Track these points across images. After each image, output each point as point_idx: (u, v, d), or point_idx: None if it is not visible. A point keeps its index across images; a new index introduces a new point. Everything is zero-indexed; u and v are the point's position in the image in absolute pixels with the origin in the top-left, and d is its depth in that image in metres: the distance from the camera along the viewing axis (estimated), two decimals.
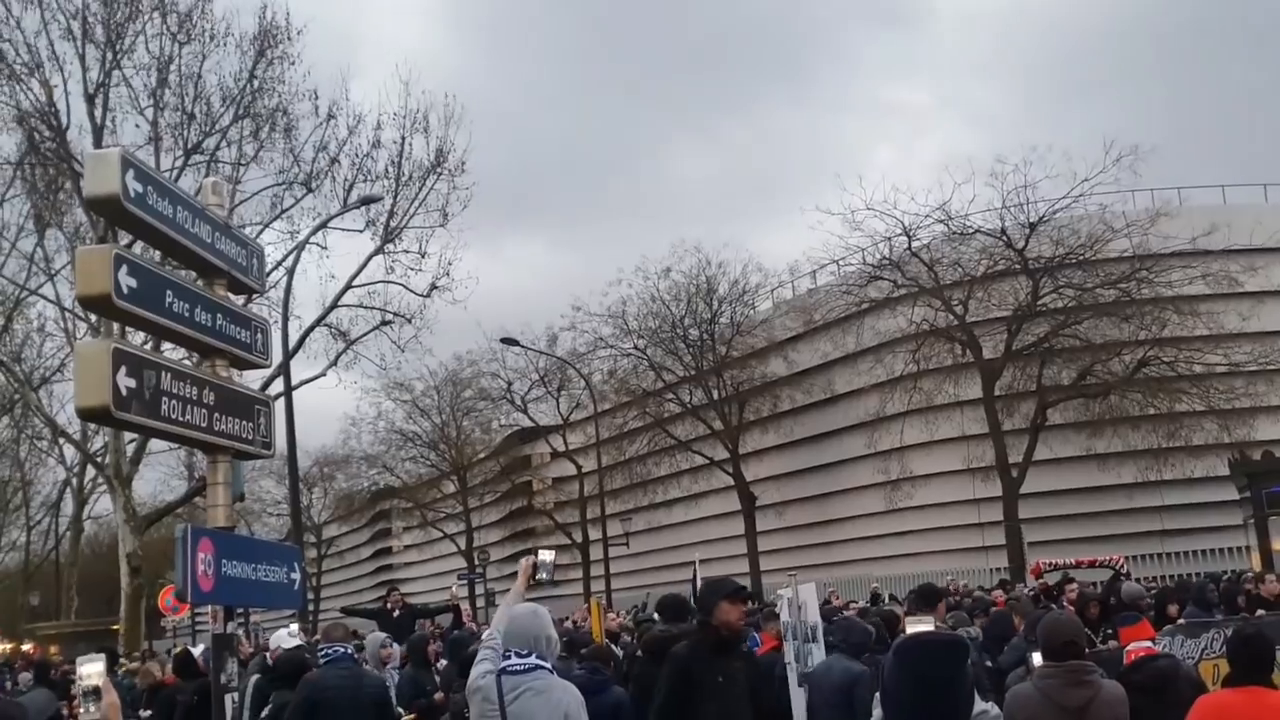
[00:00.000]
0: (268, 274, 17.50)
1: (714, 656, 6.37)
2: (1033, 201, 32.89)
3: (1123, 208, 34.11)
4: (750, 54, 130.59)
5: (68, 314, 32.98)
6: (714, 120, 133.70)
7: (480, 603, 43.85)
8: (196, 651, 13.75)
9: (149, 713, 11.65)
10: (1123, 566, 21.23)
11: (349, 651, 8.72)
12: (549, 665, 5.62)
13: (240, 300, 6.61)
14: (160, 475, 56.04)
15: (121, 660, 19.72)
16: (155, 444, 31.85)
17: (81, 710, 3.88)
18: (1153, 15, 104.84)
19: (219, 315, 5.96)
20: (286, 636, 10.19)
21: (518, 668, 5.50)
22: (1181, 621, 12.09)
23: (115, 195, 5.09)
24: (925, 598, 9.75)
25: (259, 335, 6.45)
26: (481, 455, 57.02)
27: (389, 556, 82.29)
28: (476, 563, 52.73)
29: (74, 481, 51.29)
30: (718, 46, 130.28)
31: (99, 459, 32.47)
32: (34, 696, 3.56)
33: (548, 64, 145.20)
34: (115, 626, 29.98)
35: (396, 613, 16.67)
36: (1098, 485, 37.74)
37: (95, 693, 3.86)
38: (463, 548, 55.71)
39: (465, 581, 49.24)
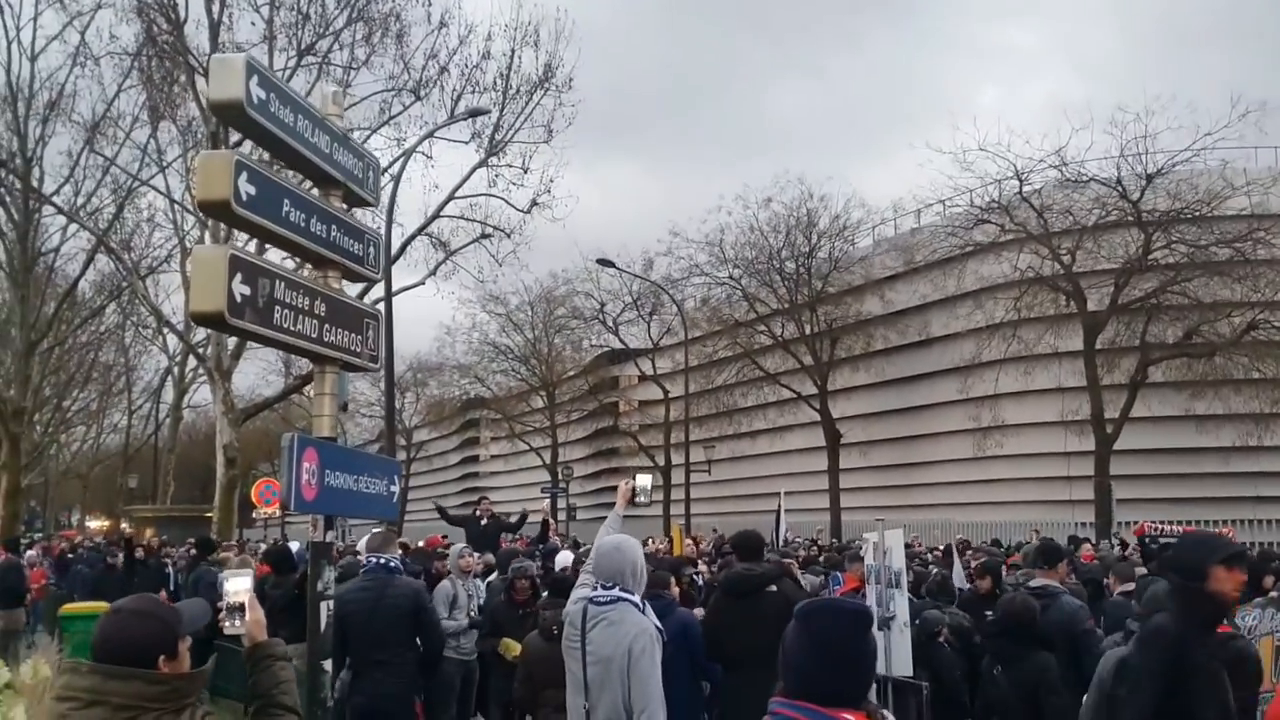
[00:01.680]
0: None
1: (1205, 635, 4.90)
2: (1151, 153, 31.83)
3: (1244, 165, 33.02)
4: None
5: (177, 206, 33.62)
6: (815, 54, 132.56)
7: (562, 516, 44.28)
8: (294, 547, 14.14)
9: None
10: (1233, 536, 20.72)
11: (384, 561, 8.66)
12: (633, 598, 5.77)
13: (355, 212, 6.64)
14: (259, 370, 57.60)
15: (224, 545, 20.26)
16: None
17: (226, 623, 3.94)
18: None
19: (333, 226, 5.97)
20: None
21: (602, 599, 5.74)
22: (1274, 594, 11.81)
23: (239, 101, 5.08)
24: (1047, 555, 9.25)
25: (371, 248, 6.47)
26: (571, 373, 57.39)
27: (475, 465, 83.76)
28: (560, 477, 53.30)
29: (175, 370, 52.58)
30: None
31: (201, 350, 33.16)
32: (190, 605, 3.62)
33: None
34: (209, 514, 30.71)
35: (484, 521, 16.81)
36: (1194, 447, 36.92)
37: (240, 609, 3.93)
38: (547, 462, 56.29)
39: (549, 494, 50.04)
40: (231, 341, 29.80)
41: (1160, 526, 21.27)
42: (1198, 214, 31.90)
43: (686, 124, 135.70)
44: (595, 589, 5.82)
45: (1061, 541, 17.66)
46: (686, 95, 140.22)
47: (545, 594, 9.44)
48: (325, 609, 5.70)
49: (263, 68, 5.44)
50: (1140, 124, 31.33)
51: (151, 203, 36.91)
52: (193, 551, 19.58)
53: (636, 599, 5.78)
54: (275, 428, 55.47)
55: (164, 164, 32.58)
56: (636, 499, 6.69)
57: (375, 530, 10.05)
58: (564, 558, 12.22)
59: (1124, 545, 21.27)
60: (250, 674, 3.89)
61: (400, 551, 11.06)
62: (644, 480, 6.81)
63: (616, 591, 5.73)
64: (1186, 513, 32.93)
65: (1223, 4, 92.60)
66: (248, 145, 12.64)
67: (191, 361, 45.85)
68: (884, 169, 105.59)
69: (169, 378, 54.61)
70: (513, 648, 9.22)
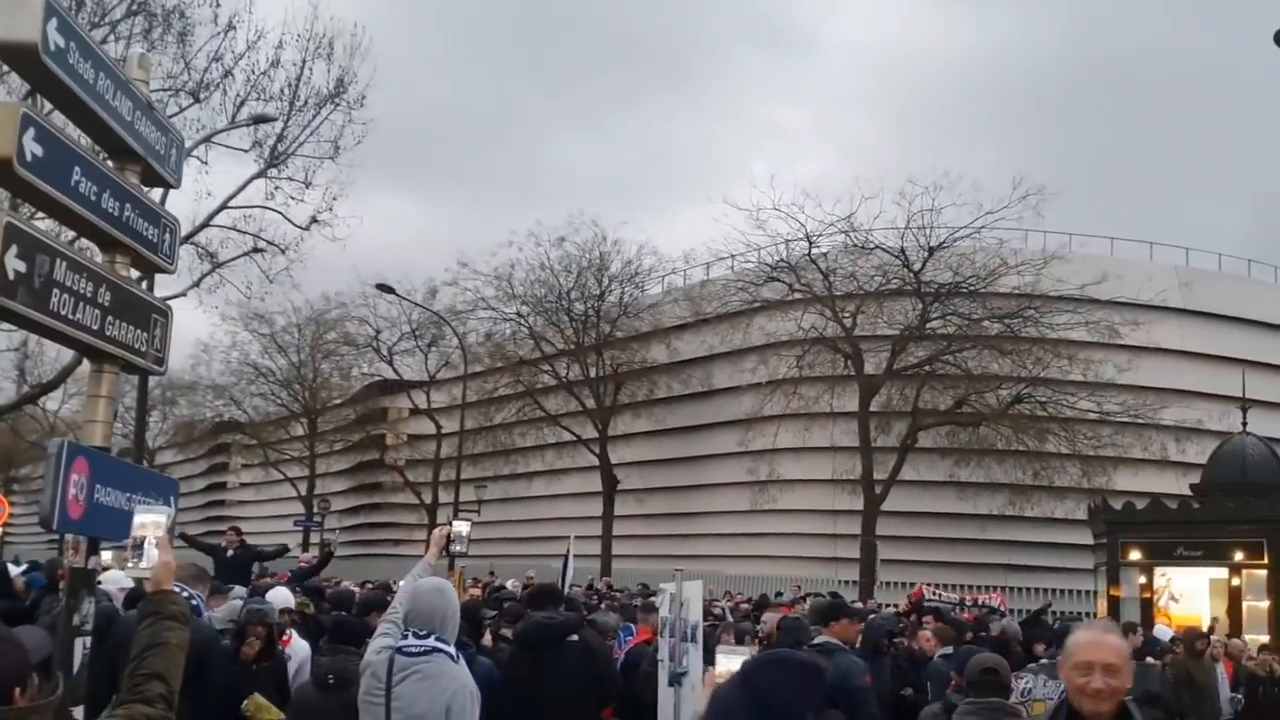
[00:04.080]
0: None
1: None
2: (935, 226, 33.19)
3: (1019, 245, 34.71)
4: (638, 57, 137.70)
5: None
6: (594, 109, 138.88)
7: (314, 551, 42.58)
8: (15, 571, 12.61)
9: None
10: (1004, 606, 21.28)
11: (187, 597, 7.66)
12: (449, 649, 5.24)
13: (155, 194, 5.79)
14: None
15: None
16: None
17: (130, 561, 3.32)
18: (1030, 66, 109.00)
19: (128, 205, 5.20)
20: (122, 577, 8.87)
21: (414, 649, 5.18)
22: (1045, 661, 12.09)
23: (33, 44, 4.29)
24: (827, 613, 9.37)
25: (167, 234, 5.70)
26: (336, 401, 55.64)
27: (223, 491, 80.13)
28: (316, 510, 51.43)
29: None
30: (607, 46, 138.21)
31: None
32: (28, 632, 2.98)
33: (442, 32, 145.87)
34: None
35: (230, 552, 15.58)
36: (954, 512, 38.28)
37: (147, 546, 3.35)
38: (303, 493, 54.22)
39: (303, 528, 48.10)
40: None
41: (938, 592, 21.82)
42: (974, 289, 33.37)
43: (471, 165, 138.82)
44: (405, 637, 5.21)
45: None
46: (471, 137, 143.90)
47: (323, 640, 8.53)
48: (80, 646, 4.80)
49: (65, 11, 4.57)
50: (928, 197, 32.56)
51: None
52: None
53: (452, 650, 5.25)
54: (3, 439, 51.74)
55: None
56: (454, 548, 6.04)
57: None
58: (280, 596, 9.85)
59: (895, 607, 21.50)
60: (139, 626, 3.41)
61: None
62: (461, 527, 6.21)
63: (432, 641, 5.17)
64: (945, 576, 33.92)
65: (984, 101, 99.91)
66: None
67: None
68: (660, 223, 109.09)
69: None
70: (265, 709, 7.12)
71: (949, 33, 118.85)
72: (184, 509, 78.51)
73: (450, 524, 6.25)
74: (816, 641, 8.54)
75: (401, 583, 5.60)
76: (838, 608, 9.70)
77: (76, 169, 4.68)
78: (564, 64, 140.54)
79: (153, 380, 52.06)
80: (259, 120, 28.05)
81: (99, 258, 5.24)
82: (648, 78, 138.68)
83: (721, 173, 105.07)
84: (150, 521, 3.59)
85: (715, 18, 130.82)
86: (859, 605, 18.20)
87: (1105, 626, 2.76)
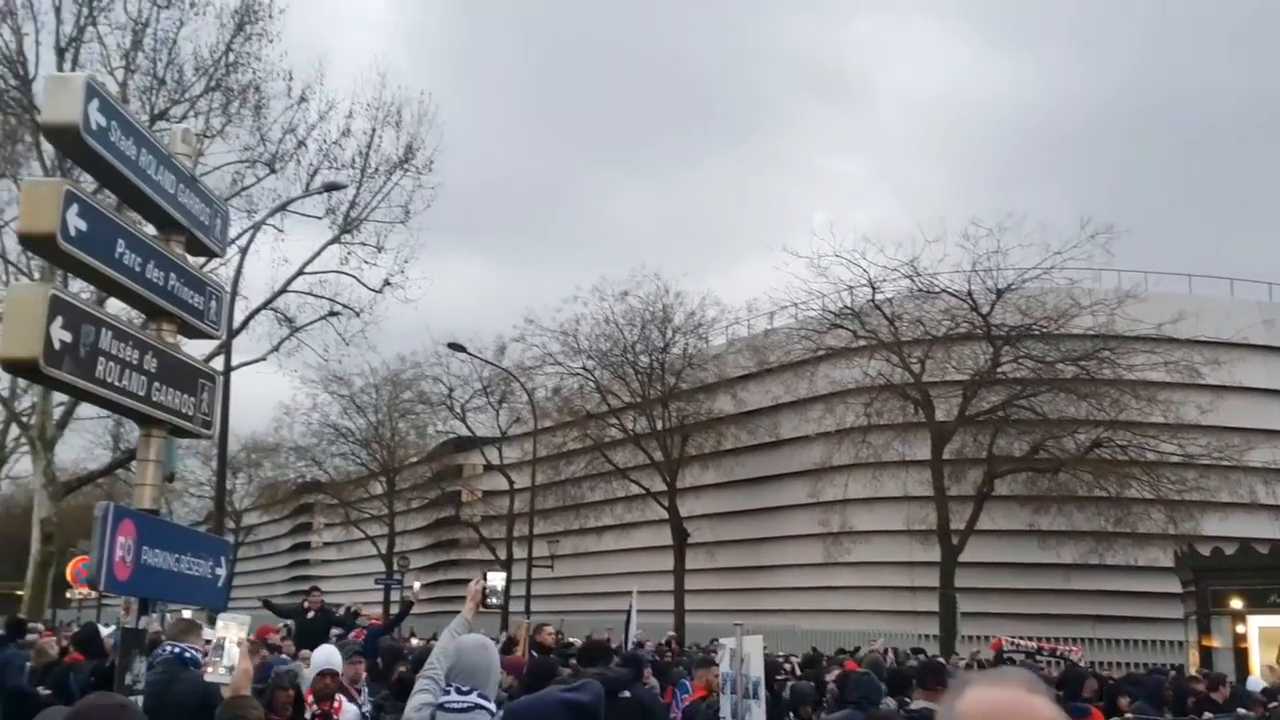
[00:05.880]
0: None
1: None
2: (1002, 269, 32.73)
3: (1090, 285, 34.15)
4: (696, 113, 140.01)
5: (11, 267, 31.89)
6: (660, 168, 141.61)
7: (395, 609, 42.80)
8: (105, 631, 12.94)
9: (48, 692, 10.88)
10: (1081, 658, 20.84)
11: (179, 651, 7.67)
12: (490, 706, 5.13)
13: (198, 262, 5.98)
14: (85, 442, 54.63)
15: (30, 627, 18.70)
16: (84, 409, 30.93)
17: (209, 667, 3.45)
18: (1092, 109, 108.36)
19: (172, 274, 5.40)
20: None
21: (456, 705, 5.05)
22: (1130, 716, 11.73)
23: (74, 125, 4.55)
24: (925, 675, 8.40)
25: (213, 302, 5.88)
26: (413, 459, 56.24)
27: (306, 551, 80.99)
28: (396, 568, 51.80)
29: None
30: (667, 104, 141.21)
31: (24, 418, 31.35)
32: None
33: (500, 98, 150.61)
34: (19, 592, 28.88)
35: (312, 614, 15.82)
36: (1036, 562, 37.35)
37: (229, 652, 3.48)
38: (383, 551, 54.70)
39: (384, 586, 48.41)
40: (58, 410, 28.33)
41: (1016, 642, 21.28)
42: (1045, 331, 32.75)
43: (535, 225, 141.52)
44: (446, 693, 5.11)
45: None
46: (534, 198, 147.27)
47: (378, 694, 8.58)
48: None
49: (106, 92, 4.81)
50: (993, 239, 32.22)
51: None
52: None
53: (492, 706, 5.13)
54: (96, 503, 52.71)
55: (0, 223, 31.00)
56: (489, 601, 6.06)
57: (177, 619, 8.76)
58: (324, 658, 9.03)
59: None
60: None
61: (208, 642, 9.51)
62: (496, 580, 6.21)
63: (474, 697, 5.05)
64: (1028, 628, 33.25)
65: (1038, 144, 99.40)
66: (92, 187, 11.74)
67: (14, 430, 43.37)
68: (722, 275, 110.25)
69: None
70: None
71: (1006, 79, 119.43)
72: (269, 569, 79.75)
73: (485, 578, 6.23)
74: (913, 708, 7.84)
75: (440, 639, 5.61)
76: (939, 670, 8.71)
77: (120, 241, 4.88)
78: (624, 122, 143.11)
79: (237, 443, 53.32)
80: (332, 188, 28.75)
81: (145, 325, 5.43)
82: (706, 133, 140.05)
83: (781, 222, 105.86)
84: (233, 625, 3.73)
85: (771, 73, 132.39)
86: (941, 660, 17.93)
87: (1025, 684, 1.84)
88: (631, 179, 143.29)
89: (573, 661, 11.82)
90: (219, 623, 3.76)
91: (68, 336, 4.40)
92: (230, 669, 3.66)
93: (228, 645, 3.78)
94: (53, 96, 4.72)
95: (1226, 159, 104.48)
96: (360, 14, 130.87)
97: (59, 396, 27.39)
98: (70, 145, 4.74)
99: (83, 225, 4.54)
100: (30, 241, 4.87)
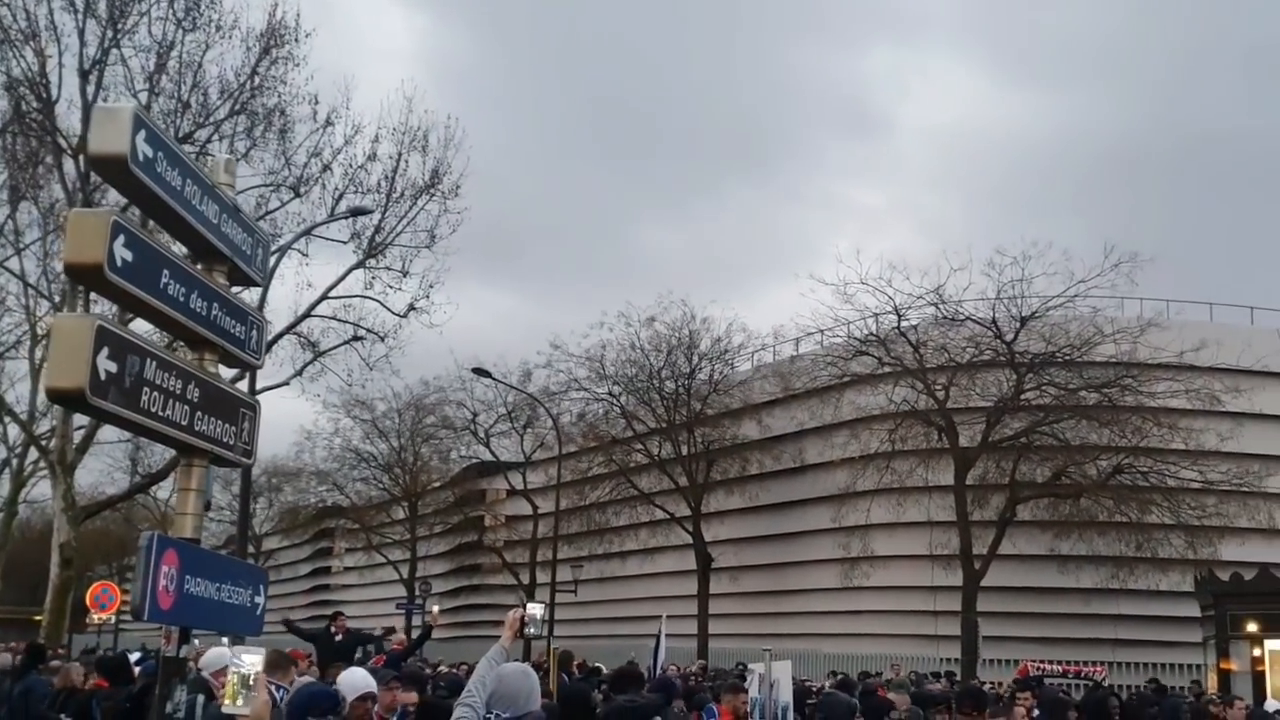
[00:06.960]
0: None
1: None
2: (1026, 296, 32.82)
3: (1113, 313, 34.13)
4: (721, 145, 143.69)
5: (30, 290, 32.07)
6: (685, 198, 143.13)
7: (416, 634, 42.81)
8: (133, 658, 13.01)
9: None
10: (1105, 679, 20.79)
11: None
12: None
13: (238, 291, 6.03)
14: (104, 466, 54.96)
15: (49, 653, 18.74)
16: (103, 433, 30.95)
17: (226, 701, 3.53)
18: (1113, 142, 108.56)
19: (215, 304, 5.43)
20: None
21: None
22: None
23: (122, 156, 4.54)
24: (967, 700, 8.53)
25: (254, 331, 5.90)
26: (436, 484, 56.19)
27: (327, 576, 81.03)
28: (418, 592, 51.75)
29: (14, 462, 49.78)
30: (691, 135, 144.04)
31: (44, 442, 31.44)
32: None
33: (529, 128, 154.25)
34: (37, 617, 28.85)
35: (339, 637, 15.85)
36: (1056, 586, 37.25)
37: (248, 686, 3.55)
38: (405, 576, 54.64)
39: (405, 610, 48.36)
40: (77, 434, 28.33)
41: (1041, 665, 21.22)
42: (1068, 358, 32.80)
43: (561, 252, 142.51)
44: (488, 719, 5.17)
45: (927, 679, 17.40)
46: (561, 225, 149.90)
47: None
48: None
49: (153, 123, 4.85)
50: (1017, 267, 32.24)
51: (3, 285, 35.09)
52: (19, 659, 18.00)
53: None
54: (117, 528, 52.83)
55: (20, 246, 31.14)
56: (527, 630, 6.06)
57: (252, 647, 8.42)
58: (357, 680, 7.55)
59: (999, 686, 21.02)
60: None
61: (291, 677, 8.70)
62: (535, 610, 6.20)
63: None
64: (1049, 652, 33.09)
65: (1059, 173, 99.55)
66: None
67: (33, 454, 43.56)
68: (748, 301, 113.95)
69: (5, 470, 51.80)
70: None
71: (1025, 112, 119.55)
72: (290, 593, 79.73)
73: (524, 606, 6.23)
74: None
75: (478, 667, 5.62)
76: (979, 695, 8.73)
77: (165, 272, 4.90)
78: (650, 154, 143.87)
79: (258, 468, 53.37)
80: (357, 212, 28.62)
81: (189, 355, 5.47)
82: (730, 164, 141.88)
83: (804, 251, 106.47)
84: (252, 664, 3.78)
85: (794, 107, 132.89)
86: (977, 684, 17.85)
87: None
88: (657, 208, 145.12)
89: (603, 687, 11.84)
90: (246, 659, 3.79)
91: (113, 367, 4.40)
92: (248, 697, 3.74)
93: (253, 679, 3.83)
94: (100, 127, 4.74)
95: (1249, 186, 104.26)
96: (387, 42, 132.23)
97: (78, 420, 27.35)
98: (118, 176, 4.74)
99: (129, 256, 4.55)
100: (77, 272, 4.88)
